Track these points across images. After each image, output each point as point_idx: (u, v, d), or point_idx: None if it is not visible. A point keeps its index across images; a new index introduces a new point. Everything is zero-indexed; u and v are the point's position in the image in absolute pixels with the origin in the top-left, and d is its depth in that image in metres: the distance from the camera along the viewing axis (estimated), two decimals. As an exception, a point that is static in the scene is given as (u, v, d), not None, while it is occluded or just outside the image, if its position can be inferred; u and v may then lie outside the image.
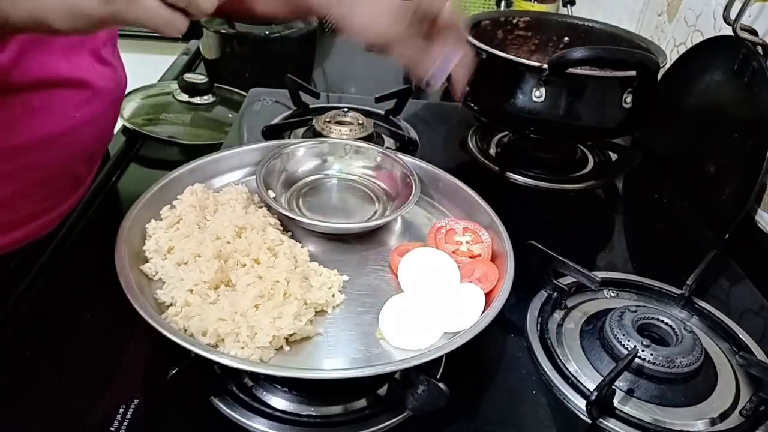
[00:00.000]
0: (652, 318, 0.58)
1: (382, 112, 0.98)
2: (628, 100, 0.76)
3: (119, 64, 0.70)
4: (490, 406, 0.52)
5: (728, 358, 0.58)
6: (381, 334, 0.51)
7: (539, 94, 0.74)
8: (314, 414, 0.49)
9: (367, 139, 0.87)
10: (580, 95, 0.76)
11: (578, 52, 0.71)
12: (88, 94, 0.62)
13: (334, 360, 0.49)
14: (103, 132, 0.69)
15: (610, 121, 0.79)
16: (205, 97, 1.02)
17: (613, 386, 0.52)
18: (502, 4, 1.43)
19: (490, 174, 0.89)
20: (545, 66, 0.73)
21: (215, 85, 1.05)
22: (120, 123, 0.78)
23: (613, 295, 0.65)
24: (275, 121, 0.93)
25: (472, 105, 0.85)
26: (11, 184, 0.56)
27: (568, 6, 1.18)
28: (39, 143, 0.56)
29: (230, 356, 0.45)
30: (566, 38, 0.85)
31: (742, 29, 0.78)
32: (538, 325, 0.60)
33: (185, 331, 0.48)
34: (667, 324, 0.58)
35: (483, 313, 0.52)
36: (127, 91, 0.75)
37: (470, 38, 0.79)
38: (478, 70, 0.78)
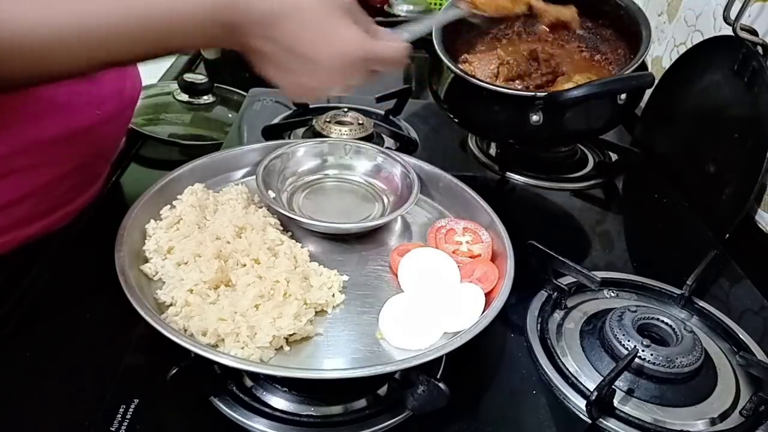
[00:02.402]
0: (652, 318, 0.58)
1: (382, 112, 0.98)
2: (623, 96, 0.76)
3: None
4: (490, 406, 0.52)
5: (728, 358, 0.58)
6: (381, 334, 0.51)
7: (537, 119, 0.74)
8: (314, 414, 0.49)
9: (367, 139, 0.87)
10: (579, 109, 0.76)
11: (573, 92, 0.71)
12: (109, 92, 0.63)
13: (334, 360, 0.49)
14: (120, 129, 0.70)
15: (607, 119, 0.79)
16: (205, 97, 1.02)
17: (613, 386, 0.52)
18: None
19: (490, 174, 0.89)
20: (540, 95, 0.73)
21: (215, 85, 1.05)
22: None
23: (613, 295, 0.65)
24: (275, 121, 0.93)
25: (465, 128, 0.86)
26: (36, 178, 0.57)
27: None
28: (64, 138, 0.57)
29: (230, 356, 0.45)
30: None
31: (742, 29, 0.78)
32: (538, 325, 0.60)
33: (185, 331, 0.48)
34: (667, 324, 0.58)
35: (483, 313, 0.52)
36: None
37: (463, 74, 0.79)
38: (473, 98, 0.78)
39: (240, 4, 0.46)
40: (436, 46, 0.82)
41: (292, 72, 0.49)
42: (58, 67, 0.45)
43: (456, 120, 0.84)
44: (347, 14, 0.50)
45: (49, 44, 0.43)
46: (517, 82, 0.86)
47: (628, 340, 0.55)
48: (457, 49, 0.90)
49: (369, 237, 0.64)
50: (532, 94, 0.75)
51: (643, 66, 0.78)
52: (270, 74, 0.51)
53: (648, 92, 0.97)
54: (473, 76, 0.80)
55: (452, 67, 0.80)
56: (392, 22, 1.22)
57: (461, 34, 0.91)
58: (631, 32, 0.81)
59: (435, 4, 1.58)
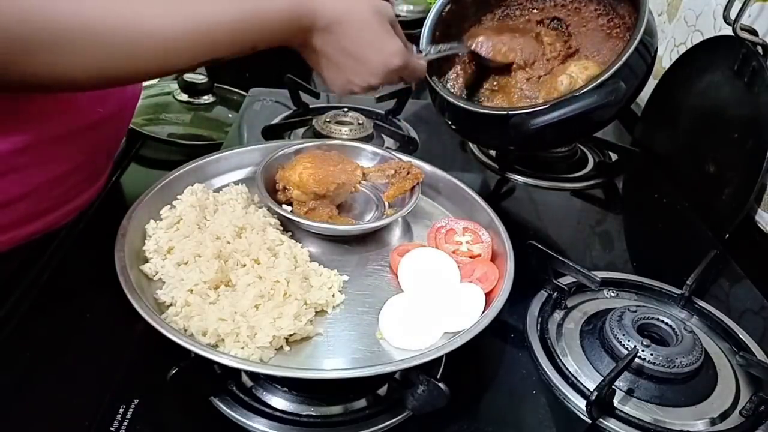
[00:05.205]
0: (652, 318, 0.58)
1: (382, 112, 0.98)
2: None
3: None
4: (490, 406, 0.52)
5: (728, 358, 0.58)
6: (381, 334, 0.51)
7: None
8: (314, 414, 0.49)
9: (367, 139, 0.87)
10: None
11: (540, 119, 0.67)
12: (111, 90, 0.63)
13: (334, 360, 0.49)
14: (122, 127, 0.70)
15: (600, 116, 0.76)
16: (205, 97, 1.02)
17: (613, 386, 0.52)
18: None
19: (490, 174, 0.89)
20: (511, 114, 0.70)
21: (215, 85, 1.04)
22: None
23: (613, 295, 0.65)
24: (275, 121, 0.93)
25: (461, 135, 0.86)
26: (37, 176, 0.57)
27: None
28: (66, 136, 0.58)
29: (230, 356, 0.45)
30: None
31: (742, 29, 0.78)
32: (538, 325, 0.60)
33: (185, 331, 0.48)
34: (667, 324, 0.58)
35: (483, 313, 0.52)
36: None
37: (443, 92, 0.77)
38: (461, 119, 0.78)
39: (315, 11, 0.56)
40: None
41: (343, 70, 0.61)
42: (177, 62, 0.51)
43: (453, 127, 0.83)
44: (393, 27, 0.62)
45: (175, 43, 0.49)
46: (520, 72, 0.85)
47: (628, 340, 0.55)
48: (463, 29, 0.88)
49: (369, 237, 0.64)
50: (504, 113, 0.71)
51: (645, 51, 0.72)
52: (323, 70, 0.62)
53: (648, 92, 0.97)
54: (452, 93, 0.79)
55: (433, 85, 0.79)
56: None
57: (468, 18, 0.89)
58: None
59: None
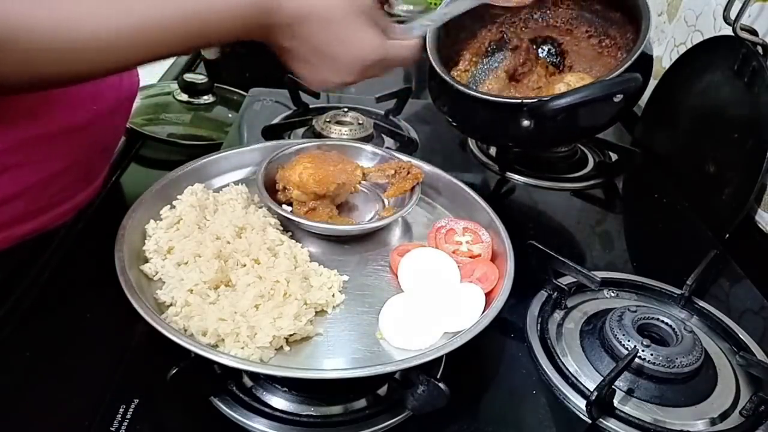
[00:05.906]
0: (652, 318, 0.58)
1: (382, 112, 0.98)
2: (618, 97, 0.74)
3: None
4: (490, 406, 0.52)
5: (728, 358, 0.58)
6: (381, 334, 0.51)
7: (528, 123, 0.72)
8: (314, 414, 0.49)
9: (367, 139, 0.87)
10: (572, 112, 0.73)
11: (561, 100, 0.68)
12: (104, 87, 0.62)
13: (334, 360, 0.49)
14: (118, 125, 0.70)
15: (603, 118, 0.77)
16: (205, 97, 1.02)
17: (613, 386, 0.52)
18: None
19: (490, 174, 0.89)
20: (526, 102, 0.71)
21: (215, 85, 1.05)
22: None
23: (613, 295, 0.65)
24: (275, 121, 0.93)
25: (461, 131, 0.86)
26: (32, 174, 0.56)
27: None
28: (59, 134, 0.57)
29: (230, 356, 0.45)
30: None
31: (742, 29, 0.78)
32: (538, 325, 0.60)
33: (185, 331, 0.48)
34: (667, 324, 0.58)
35: (483, 313, 0.52)
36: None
37: (452, 81, 0.77)
38: (465, 104, 0.77)
39: (273, 8, 0.50)
40: (428, 48, 0.82)
41: (315, 67, 0.55)
42: (113, 64, 0.48)
43: (454, 124, 0.83)
44: (367, 17, 0.55)
45: (110, 44, 0.45)
46: (514, 88, 0.86)
47: (628, 340, 0.55)
48: (459, 39, 0.88)
49: (369, 237, 0.64)
50: (519, 101, 0.72)
51: (645, 57, 0.75)
52: (295, 68, 0.56)
53: (648, 92, 0.97)
54: (462, 84, 0.79)
55: (440, 74, 0.79)
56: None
57: (465, 28, 0.90)
58: (637, 14, 0.77)
59: (434, 3, 1.58)
